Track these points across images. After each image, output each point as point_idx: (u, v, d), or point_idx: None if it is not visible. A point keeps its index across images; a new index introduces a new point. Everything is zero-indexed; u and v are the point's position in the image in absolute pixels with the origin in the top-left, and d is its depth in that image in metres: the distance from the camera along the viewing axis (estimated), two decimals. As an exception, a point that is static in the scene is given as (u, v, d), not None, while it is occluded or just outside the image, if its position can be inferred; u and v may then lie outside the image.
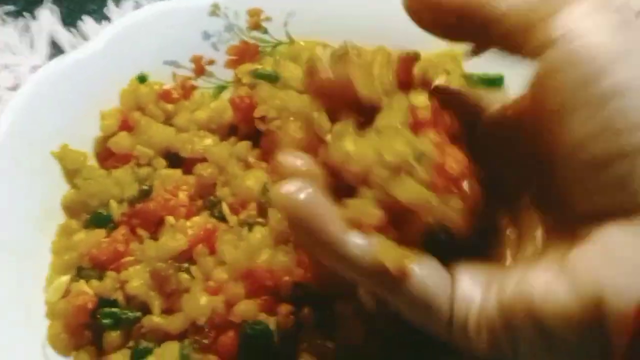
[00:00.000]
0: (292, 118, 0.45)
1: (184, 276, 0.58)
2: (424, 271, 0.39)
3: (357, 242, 0.39)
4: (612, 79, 0.34)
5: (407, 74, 0.43)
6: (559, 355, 0.36)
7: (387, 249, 0.39)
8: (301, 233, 0.40)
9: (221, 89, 0.71)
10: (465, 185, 0.39)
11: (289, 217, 0.40)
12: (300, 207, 0.39)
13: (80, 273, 0.60)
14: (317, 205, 0.39)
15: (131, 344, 0.58)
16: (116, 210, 0.63)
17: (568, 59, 0.35)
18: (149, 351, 0.56)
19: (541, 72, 0.37)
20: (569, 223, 0.38)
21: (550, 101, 0.36)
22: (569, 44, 0.35)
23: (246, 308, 0.55)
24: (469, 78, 0.64)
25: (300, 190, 0.39)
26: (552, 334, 0.35)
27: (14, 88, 0.75)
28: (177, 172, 0.65)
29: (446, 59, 0.64)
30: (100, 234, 0.62)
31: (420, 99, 0.41)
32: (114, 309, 0.58)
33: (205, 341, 0.55)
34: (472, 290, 0.39)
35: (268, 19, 0.70)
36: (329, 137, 0.42)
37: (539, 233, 0.41)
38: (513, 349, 0.38)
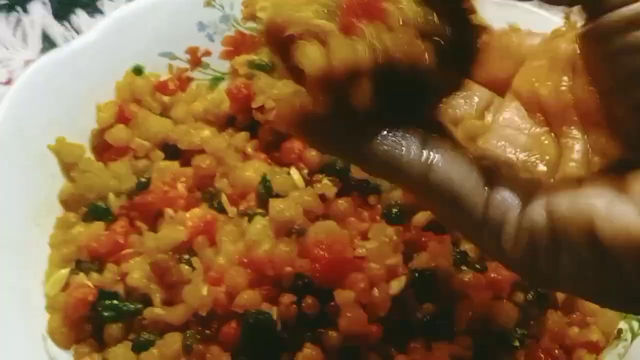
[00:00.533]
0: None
1: (185, 267, 0.58)
2: (450, 165, 0.38)
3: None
4: None
5: None
6: (606, 275, 0.35)
7: None
8: None
9: (218, 80, 0.71)
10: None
11: None
12: None
13: (79, 266, 0.60)
14: None
15: (132, 336, 0.58)
16: (114, 203, 0.63)
17: (617, 24, 0.35)
18: (150, 343, 0.56)
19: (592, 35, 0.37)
20: (619, 149, 0.37)
21: (602, 65, 0.36)
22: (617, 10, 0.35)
23: (248, 298, 0.55)
24: None
25: None
26: (607, 254, 0.34)
27: (8, 83, 0.75)
28: (175, 164, 0.65)
29: None
30: (98, 226, 0.61)
31: None
32: (114, 302, 0.58)
33: (208, 332, 0.55)
34: (511, 197, 0.38)
35: (263, 9, 0.70)
36: None
37: (578, 147, 0.40)
38: (554, 260, 0.37)
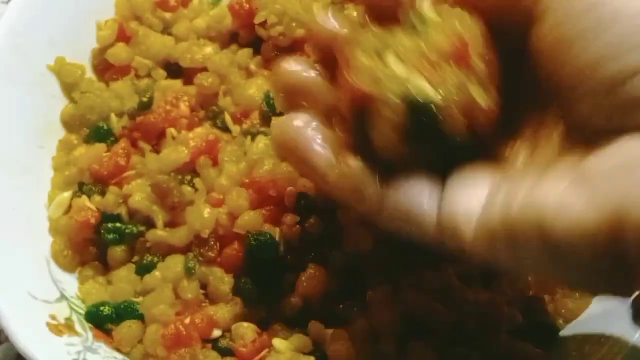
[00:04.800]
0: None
1: (187, 189, 0.56)
2: (402, 182, 0.39)
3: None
4: (610, 7, 0.35)
5: None
6: (565, 270, 0.35)
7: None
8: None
9: (220, -5, 0.68)
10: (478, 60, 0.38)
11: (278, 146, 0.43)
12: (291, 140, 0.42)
13: (82, 189, 0.59)
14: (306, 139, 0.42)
15: (136, 259, 0.57)
16: (116, 124, 0.62)
17: None
18: (153, 265, 0.56)
19: (543, 8, 0.37)
20: (583, 134, 0.36)
21: (551, 36, 0.37)
22: None
23: (250, 219, 0.54)
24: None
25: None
26: (562, 248, 0.34)
27: (6, 1, 0.73)
28: (177, 83, 0.63)
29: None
30: (101, 148, 0.60)
31: None
32: (117, 224, 0.57)
33: (210, 254, 0.55)
34: (469, 196, 0.38)
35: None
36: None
37: (555, 141, 0.39)
38: (514, 257, 0.36)
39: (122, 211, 0.58)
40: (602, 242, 0.32)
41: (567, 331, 0.55)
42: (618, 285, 0.35)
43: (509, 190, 0.37)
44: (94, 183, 0.59)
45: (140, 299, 0.55)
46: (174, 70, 0.64)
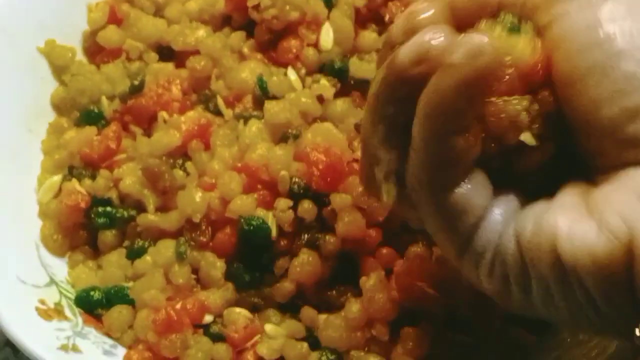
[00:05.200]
0: None
1: (179, 173, 0.56)
2: (469, 184, 0.37)
3: None
4: (615, 43, 0.34)
5: None
6: (573, 301, 0.34)
7: None
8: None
9: (212, -23, 0.67)
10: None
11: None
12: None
13: (72, 172, 0.59)
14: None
15: (126, 243, 0.57)
16: (107, 107, 0.61)
17: (573, 28, 0.35)
18: (144, 250, 0.55)
19: (550, 42, 0.36)
20: (588, 169, 0.36)
21: (563, 66, 0.36)
22: (571, 17, 0.36)
23: (242, 204, 0.53)
24: None
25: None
26: (571, 277, 0.33)
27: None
28: (169, 66, 0.62)
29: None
30: (91, 131, 0.59)
31: None
32: (108, 208, 0.57)
33: (202, 238, 0.54)
34: (497, 223, 0.37)
35: None
36: None
37: None
38: (525, 290, 0.36)
39: (113, 195, 0.57)
40: (614, 272, 0.32)
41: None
42: (629, 322, 0.34)
43: (519, 219, 0.36)
44: (84, 166, 0.59)
45: (130, 284, 0.55)
46: (166, 53, 0.63)
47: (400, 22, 0.38)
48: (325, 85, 0.58)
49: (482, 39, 0.34)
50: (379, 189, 0.40)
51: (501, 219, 0.37)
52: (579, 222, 0.33)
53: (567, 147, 0.37)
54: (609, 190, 0.34)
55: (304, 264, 0.52)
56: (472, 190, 0.36)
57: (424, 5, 0.38)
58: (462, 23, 0.38)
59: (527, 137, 0.36)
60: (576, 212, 0.34)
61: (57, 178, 0.59)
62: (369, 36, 0.60)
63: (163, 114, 0.59)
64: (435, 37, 0.35)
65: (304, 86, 0.59)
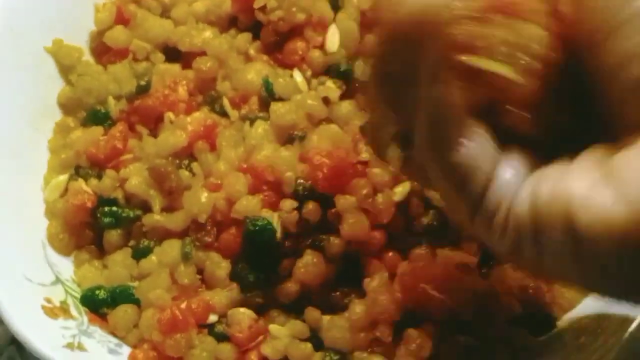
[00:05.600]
0: None
1: (185, 173, 0.56)
2: (473, 142, 0.36)
3: None
4: None
5: None
6: (587, 267, 0.33)
7: None
8: None
9: (220, -22, 0.67)
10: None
11: None
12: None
13: (78, 172, 0.59)
14: None
15: (132, 243, 0.57)
16: (114, 107, 0.61)
17: None
18: (150, 250, 0.55)
19: None
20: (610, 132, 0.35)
21: (590, 21, 0.34)
22: None
23: (248, 204, 0.53)
24: None
25: None
26: (588, 243, 0.32)
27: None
28: (175, 67, 0.63)
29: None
30: (97, 131, 0.60)
31: None
32: (113, 208, 0.57)
33: (207, 239, 0.54)
34: (510, 183, 0.36)
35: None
36: None
37: None
38: (537, 251, 0.35)
39: (119, 195, 0.58)
40: (630, 240, 0.31)
41: (563, 321, 0.55)
42: None
43: (537, 181, 0.35)
44: (91, 166, 0.59)
45: (136, 283, 0.55)
46: (172, 53, 0.64)
47: None
48: (331, 87, 0.58)
49: None
50: (386, 151, 0.40)
51: (512, 178, 0.36)
52: (596, 188, 0.32)
53: (586, 109, 0.36)
54: (629, 155, 0.33)
55: (308, 265, 0.53)
56: (476, 148, 0.36)
57: None
58: None
59: (503, 69, 0.35)
60: (594, 177, 0.33)
61: (63, 177, 0.59)
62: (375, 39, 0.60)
63: (169, 115, 0.59)
64: None
65: (309, 88, 0.59)
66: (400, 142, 0.39)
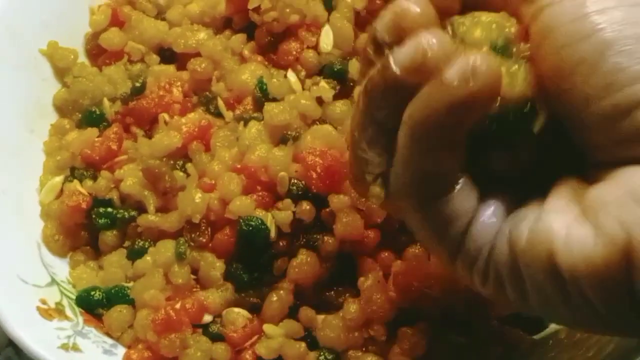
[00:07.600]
0: None
1: (179, 174, 0.56)
2: (455, 191, 0.36)
3: None
4: (600, 34, 0.33)
5: None
6: (572, 306, 0.33)
7: None
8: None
9: (214, -20, 0.67)
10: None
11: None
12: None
13: (73, 173, 0.59)
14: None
15: (127, 243, 0.57)
16: (109, 108, 0.61)
17: (560, 19, 0.34)
18: (144, 250, 0.55)
19: (537, 34, 0.35)
20: (581, 168, 0.35)
21: (550, 60, 0.34)
22: (557, 7, 0.34)
23: (242, 204, 0.54)
24: None
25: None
26: (569, 283, 0.32)
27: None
28: (170, 68, 0.63)
29: None
30: (93, 133, 0.60)
31: None
32: (108, 209, 0.57)
33: (201, 239, 0.54)
34: (489, 227, 0.36)
35: None
36: None
37: None
38: (521, 293, 0.35)
39: (114, 196, 0.58)
40: (612, 276, 0.31)
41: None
42: (630, 324, 0.33)
43: (514, 223, 0.35)
44: (86, 167, 0.59)
45: (130, 284, 0.55)
46: (167, 55, 0.64)
47: (386, 19, 0.36)
48: (325, 87, 0.58)
49: (479, 60, 0.33)
50: (367, 189, 0.40)
51: (491, 223, 0.36)
52: (574, 227, 0.32)
53: (557, 143, 0.36)
54: (604, 190, 0.33)
55: (302, 265, 0.53)
56: (458, 196, 0.36)
57: (409, 3, 0.36)
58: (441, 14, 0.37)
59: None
60: (571, 215, 0.33)
61: (58, 179, 0.59)
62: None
63: (164, 116, 0.60)
64: (431, 45, 0.34)
65: (303, 88, 0.59)
66: (382, 181, 0.39)
